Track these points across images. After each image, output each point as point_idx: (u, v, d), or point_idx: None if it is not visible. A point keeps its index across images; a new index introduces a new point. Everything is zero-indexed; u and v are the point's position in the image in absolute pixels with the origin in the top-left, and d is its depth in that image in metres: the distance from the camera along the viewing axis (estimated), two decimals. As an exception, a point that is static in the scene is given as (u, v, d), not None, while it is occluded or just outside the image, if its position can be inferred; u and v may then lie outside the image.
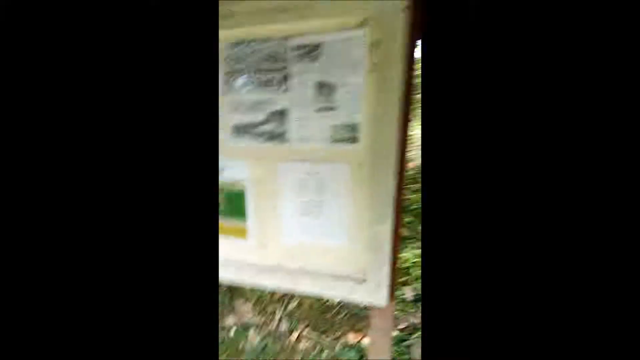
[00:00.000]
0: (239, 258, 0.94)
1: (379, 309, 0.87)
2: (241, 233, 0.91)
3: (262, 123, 0.85)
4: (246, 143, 0.87)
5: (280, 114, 0.83)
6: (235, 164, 0.89)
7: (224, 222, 0.93)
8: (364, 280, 0.85)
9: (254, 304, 1.81)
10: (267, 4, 0.78)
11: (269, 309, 1.79)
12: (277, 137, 0.84)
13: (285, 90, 0.82)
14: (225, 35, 0.83)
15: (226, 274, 0.95)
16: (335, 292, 0.88)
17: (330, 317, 1.73)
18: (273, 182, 0.87)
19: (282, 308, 1.77)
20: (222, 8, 0.81)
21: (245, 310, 1.79)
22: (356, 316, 1.68)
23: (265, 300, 1.81)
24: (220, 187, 0.91)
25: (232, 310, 1.78)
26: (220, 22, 0.81)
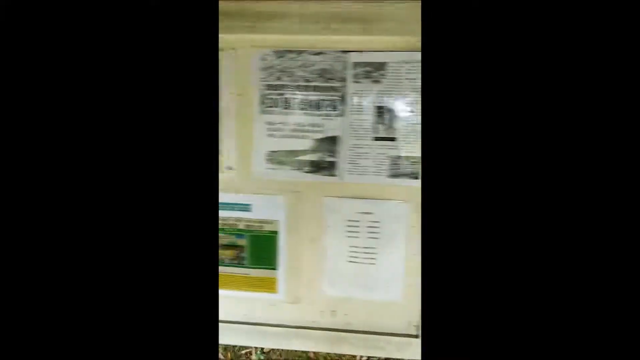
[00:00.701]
0: (264, 316, 0.75)
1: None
2: (269, 285, 0.73)
3: (308, 151, 0.69)
4: (284, 174, 0.70)
5: (331, 141, 0.69)
6: (268, 200, 0.71)
7: (247, 272, 0.73)
8: (417, 336, 0.74)
9: (224, 349, 1.55)
10: (324, 7, 0.64)
11: (242, 353, 1.55)
12: (324, 168, 0.70)
13: (339, 114, 0.68)
14: (269, 40, 0.66)
15: (243, 339, 0.76)
16: (382, 352, 0.74)
17: (313, 356, 1.57)
18: (315, 223, 0.71)
19: (258, 352, 1.55)
20: (268, 7, 0.64)
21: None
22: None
23: (235, 347, 1.57)
24: (246, 226, 0.72)
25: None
26: (265, 24, 0.65)
